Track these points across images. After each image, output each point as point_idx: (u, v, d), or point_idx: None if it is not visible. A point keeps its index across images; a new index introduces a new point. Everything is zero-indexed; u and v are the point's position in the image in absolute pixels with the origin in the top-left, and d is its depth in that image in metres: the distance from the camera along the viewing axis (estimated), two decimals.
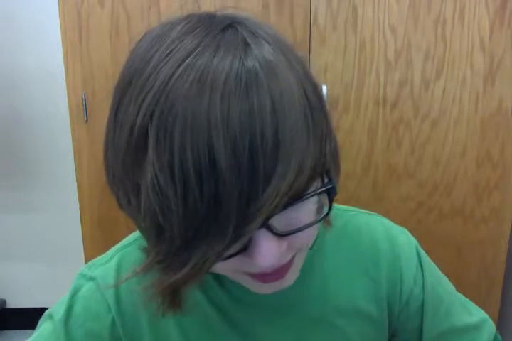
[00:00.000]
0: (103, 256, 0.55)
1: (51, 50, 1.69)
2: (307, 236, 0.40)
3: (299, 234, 0.38)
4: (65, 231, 1.91)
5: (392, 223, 0.57)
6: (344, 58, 1.31)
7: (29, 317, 2.01)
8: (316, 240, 0.53)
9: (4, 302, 2.02)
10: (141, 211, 0.35)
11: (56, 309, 0.52)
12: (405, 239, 0.55)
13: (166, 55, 0.34)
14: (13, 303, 2.03)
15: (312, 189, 0.37)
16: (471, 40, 1.29)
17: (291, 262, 0.41)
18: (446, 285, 0.57)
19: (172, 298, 0.42)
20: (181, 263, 0.34)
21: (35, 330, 0.53)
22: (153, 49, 0.35)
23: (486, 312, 0.59)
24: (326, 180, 0.38)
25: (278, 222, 0.36)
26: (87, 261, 1.43)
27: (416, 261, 0.54)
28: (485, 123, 1.34)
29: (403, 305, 0.53)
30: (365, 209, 0.58)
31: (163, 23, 0.39)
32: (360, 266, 0.53)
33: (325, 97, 0.38)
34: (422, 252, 0.56)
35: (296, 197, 0.35)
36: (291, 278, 0.43)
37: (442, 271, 0.58)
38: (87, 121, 1.33)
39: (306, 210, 0.38)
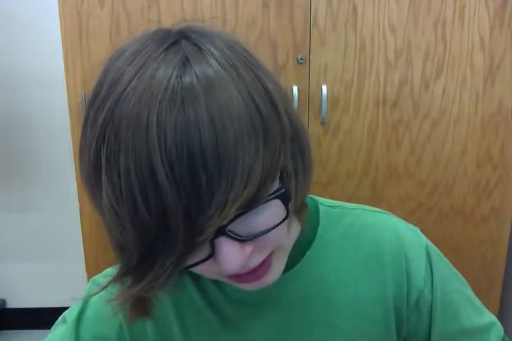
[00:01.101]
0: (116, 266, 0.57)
1: (51, 50, 1.69)
2: (274, 238, 0.40)
3: (265, 236, 0.38)
4: (65, 231, 1.91)
5: (402, 221, 0.56)
6: (344, 58, 1.31)
7: (29, 317, 2.02)
8: (313, 240, 0.52)
9: (4, 302, 2.02)
10: (104, 225, 0.38)
11: (69, 313, 0.55)
12: (414, 239, 0.54)
13: (117, 80, 0.36)
14: (13, 303, 2.03)
15: (267, 193, 0.37)
16: (471, 40, 1.29)
17: (268, 263, 0.42)
18: (458, 285, 0.56)
19: (139, 305, 0.43)
20: (141, 276, 0.37)
21: (50, 332, 0.55)
22: (108, 73, 0.38)
23: None
24: (280, 185, 0.38)
25: (237, 227, 0.37)
26: (87, 261, 1.43)
27: (425, 262, 0.52)
28: (485, 123, 1.34)
29: (412, 308, 0.52)
30: None
31: (129, 40, 0.41)
32: (364, 267, 0.52)
33: (282, 98, 0.37)
34: (433, 251, 0.54)
35: (247, 205, 0.36)
36: (272, 276, 0.44)
37: None
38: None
39: (267, 213, 0.38)
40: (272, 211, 0.38)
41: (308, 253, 0.52)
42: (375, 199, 1.38)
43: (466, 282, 0.58)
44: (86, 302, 0.54)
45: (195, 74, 0.35)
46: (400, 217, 0.58)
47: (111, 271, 0.56)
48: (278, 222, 0.39)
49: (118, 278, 0.39)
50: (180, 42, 0.37)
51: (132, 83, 0.35)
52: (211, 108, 0.33)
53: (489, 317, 0.57)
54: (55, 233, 1.93)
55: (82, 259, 1.44)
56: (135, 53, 0.37)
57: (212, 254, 0.38)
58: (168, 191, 0.33)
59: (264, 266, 0.42)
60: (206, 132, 0.33)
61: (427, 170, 1.38)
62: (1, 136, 1.86)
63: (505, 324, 1.54)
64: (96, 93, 0.38)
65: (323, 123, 1.33)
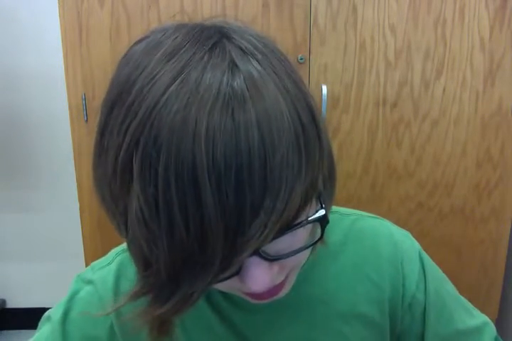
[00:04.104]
0: (103, 258, 0.55)
1: (51, 50, 1.69)
2: (300, 258, 0.40)
3: (292, 257, 0.37)
4: (65, 232, 1.91)
5: (395, 226, 0.57)
6: (344, 58, 1.31)
7: (29, 317, 2.01)
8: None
9: (4, 302, 2.02)
10: (128, 239, 0.34)
11: (54, 311, 0.53)
12: (409, 244, 0.55)
13: (151, 79, 0.32)
14: (13, 303, 2.03)
15: (304, 216, 0.36)
16: (471, 40, 1.29)
17: (285, 280, 0.41)
18: (449, 288, 0.57)
19: (161, 327, 0.40)
20: (167, 296, 0.34)
21: (36, 332, 0.53)
22: (138, 69, 0.34)
23: (486, 312, 0.59)
24: (317, 206, 0.37)
25: (269, 248, 0.36)
26: (87, 261, 1.43)
27: (419, 266, 0.53)
28: (485, 123, 1.34)
29: (406, 310, 0.53)
30: (365, 209, 0.58)
31: (152, 32, 0.38)
32: (362, 271, 0.53)
33: (317, 109, 0.36)
34: (425, 256, 0.55)
35: (286, 227, 0.34)
36: (285, 290, 0.43)
37: (442, 271, 0.58)
38: (87, 121, 1.33)
39: (298, 235, 0.37)
40: (303, 233, 0.37)
41: (309, 259, 0.52)
42: (375, 199, 1.38)
43: (453, 286, 0.59)
44: (70, 300, 0.52)
45: (245, 83, 0.32)
46: (400, 217, 0.58)
47: (98, 265, 0.54)
48: (311, 243, 0.38)
49: (137, 295, 0.35)
50: (223, 42, 0.34)
51: (173, 87, 0.31)
52: (261, 123, 0.31)
53: (481, 317, 0.57)
54: (55, 233, 1.93)
55: (82, 259, 1.44)
56: (172, 51, 0.33)
57: (238, 272, 0.36)
58: (211, 209, 0.30)
59: (282, 283, 0.41)
60: (256, 152, 0.31)
61: (427, 170, 1.38)
62: (1, 136, 1.86)
63: (506, 324, 1.54)
64: (120, 91, 0.34)
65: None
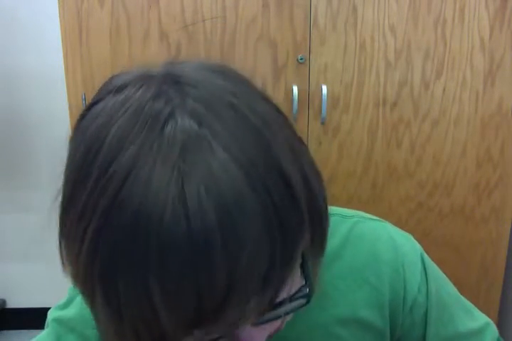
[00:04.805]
0: None
1: (51, 50, 1.69)
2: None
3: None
4: None
5: (396, 229, 0.56)
6: (344, 58, 1.30)
7: (29, 317, 2.01)
8: None
9: (4, 302, 2.02)
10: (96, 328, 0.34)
11: (52, 312, 0.55)
12: (410, 246, 0.54)
13: (103, 175, 0.30)
14: (13, 303, 2.03)
15: (285, 293, 0.33)
16: (471, 40, 1.29)
17: (281, 324, 0.40)
18: (450, 290, 0.56)
19: None
20: None
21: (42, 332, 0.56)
22: (90, 154, 0.32)
23: (486, 312, 0.59)
24: (302, 277, 0.35)
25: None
26: None
27: (420, 268, 0.53)
28: (485, 123, 1.34)
29: (407, 313, 0.53)
30: (365, 209, 0.58)
31: (108, 93, 0.34)
32: (361, 275, 0.52)
33: (294, 172, 0.33)
34: (426, 258, 0.55)
35: (267, 309, 0.32)
36: (282, 328, 0.42)
37: (442, 271, 0.58)
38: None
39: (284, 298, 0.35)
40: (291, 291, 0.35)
41: None
42: (375, 200, 1.38)
43: (454, 286, 0.58)
44: (69, 303, 0.54)
45: (202, 182, 0.28)
46: (400, 217, 0.58)
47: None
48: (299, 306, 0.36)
49: None
50: (175, 118, 0.30)
51: (123, 191, 0.29)
52: (223, 225, 0.28)
53: (483, 318, 0.57)
54: (55, 233, 1.92)
55: None
56: (121, 138, 0.30)
57: (226, 336, 0.34)
58: (168, 325, 0.29)
59: (277, 330, 0.40)
60: (216, 263, 0.28)
61: (427, 170, 1.37)
62: (1, 136, 1.86)
63: (506, 324, 1.54)
64: (74, 179, 0.33)
65: (323, 123, 1.33)
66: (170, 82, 0.33)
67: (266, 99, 0.37)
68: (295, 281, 0.34)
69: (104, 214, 0.30)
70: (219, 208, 0.28)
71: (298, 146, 0.36)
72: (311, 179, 0.35)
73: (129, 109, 0.32)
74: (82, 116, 0.35)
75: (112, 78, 0.36)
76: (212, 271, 0.28)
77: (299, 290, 0.34)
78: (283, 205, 0.31)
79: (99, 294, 0.30)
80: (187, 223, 0.28)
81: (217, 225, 0.28)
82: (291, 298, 0.34)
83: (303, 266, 0.35)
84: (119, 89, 0.34)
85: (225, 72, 0.36)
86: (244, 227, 0.29)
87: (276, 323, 0.38)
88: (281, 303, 0.33)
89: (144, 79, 0.34)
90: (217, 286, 0.28)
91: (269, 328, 0.37)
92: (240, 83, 0.36)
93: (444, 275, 0.57)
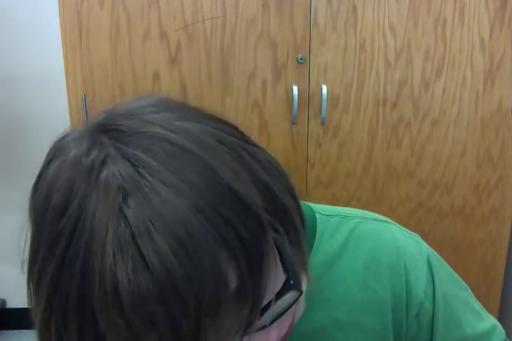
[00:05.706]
0: None
1: (51, 50, 1.69)
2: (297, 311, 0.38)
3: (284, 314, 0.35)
4: None
5: (403, 230, 0.54)
6: (344, 58, 1.31)
7: (29, 317, 2.01)
8: (310, 252, 0.50)
9: (4, 302, 2.02)
10: None
11: None
12: (414, 248, 0.52)
13: (52, 240, 0.32)
14: (13, 303, 2.03)
15: (271, 294, 0.33)
16: (471, 40, 1.29)
17: (290, 327, 0.39)
18: (458, 291, 0.55)
19: None
20: None
21: None
22: (40, 218, 0.35)
23: None
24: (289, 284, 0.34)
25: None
26: None
27: (426, 272, 0.51)
28: (485, 123, 1.34)
29: (412, 319, 0.51)
30: (365, 209, 0.57)
31: (56, 152, 0.36)
32: (361, 278, 0.51)
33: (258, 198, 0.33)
34: (434, 260, 0.53)
35: (255, 318, 0.32)
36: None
37: None
38: (87, 121, 1.33)
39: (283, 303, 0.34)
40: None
41: None
42: (375, 200, 1.38)
43: (466, 285, 0.57)
44: None
45: (148, 220, 0.28)
46: (401, 217, 0.57)
47: None
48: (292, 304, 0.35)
49: None
50: (107, 165, 0.31)
51: (74, 240, 0.30)
52: (183, 263, 0.28)
53: (490, 320, 0.56)
54: None
55: None
56: (64, 194, 0.32)
57: None
58: None
59: (289, 328, 0.39)
60: (187, 299, 0.28)
61: (427, 170, 1.37)
62: (1, 136, 1.86)
63: (506, 324, 1.54)
64: (34, 234, 0.37)
65: (323, 123, 1.33)
66: (103, 130, 0.34)
67: (209, 117, 0.36)
68: (278, 279, 0.34)
69: (55, 275, 0.31)
70: (172, 243, 0.28)
71: (252, 152, 0.35)
72: (269, 183, 0.34)
73: (68, 168, 0.32)
74: (35, 184, 0.37)
75: (56, 142, 0.38)
76: (183, 303, 0.28)
77: (284, 285, 0.34)
78: (239, 221, 0.30)
79: None
80: (147, 270, 0.28)
81: (176, 262, 0.28)
82: (277, 296, 0.33)
83: (282, 260, 0.34)
84: (61, 151, 0.35)
85: (159, 102, 0.37)
86: (204, 254, 0.28)
87: (286, 323, 0.38)
88: (269, 305, 0.33)
89: (82, 134, 0.35)
90: (191, 316, 0.28)
91: (278, 329, 0.36)
92: (177, 109, 0.36)
93: (456, 276, 0.55)
